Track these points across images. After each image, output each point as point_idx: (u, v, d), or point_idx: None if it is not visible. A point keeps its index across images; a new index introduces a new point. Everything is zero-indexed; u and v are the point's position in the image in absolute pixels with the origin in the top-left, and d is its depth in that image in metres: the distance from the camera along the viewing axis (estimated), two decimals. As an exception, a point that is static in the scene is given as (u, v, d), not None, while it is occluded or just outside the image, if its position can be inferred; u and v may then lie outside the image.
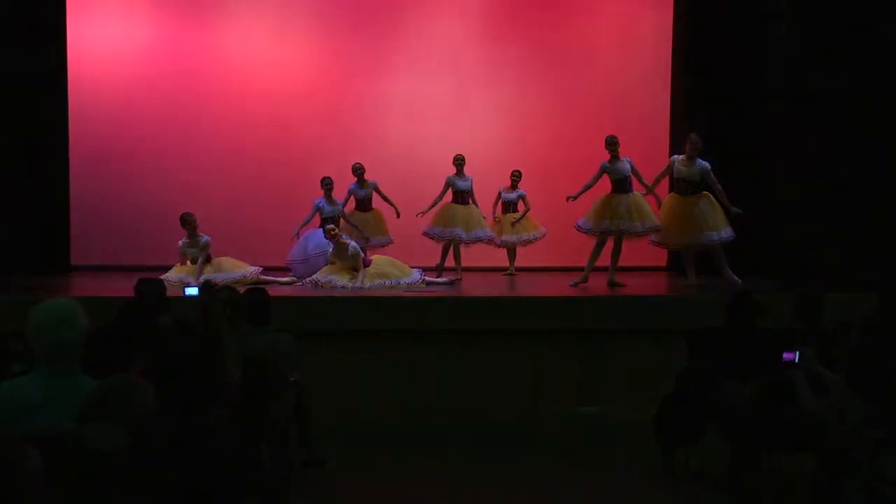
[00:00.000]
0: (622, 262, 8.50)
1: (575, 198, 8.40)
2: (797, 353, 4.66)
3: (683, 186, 8.30)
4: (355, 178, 9.34)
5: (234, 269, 8.62)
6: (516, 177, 9.71)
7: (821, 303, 5.38)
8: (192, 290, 7.29)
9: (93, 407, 2.74)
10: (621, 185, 8.35)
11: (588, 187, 8.42)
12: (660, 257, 10.22)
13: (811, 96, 9.44)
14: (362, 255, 8.38)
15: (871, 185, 9.29)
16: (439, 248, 9.24)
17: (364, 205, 9.43)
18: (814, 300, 5.40)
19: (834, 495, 4.05)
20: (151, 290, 5.33)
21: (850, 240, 9.16)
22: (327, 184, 9.08)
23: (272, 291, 5.79)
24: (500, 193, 9.79)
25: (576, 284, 8.29)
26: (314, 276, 8.41)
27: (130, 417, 2.73)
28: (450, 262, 9.19)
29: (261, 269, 8.81)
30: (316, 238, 9.03)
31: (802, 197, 9.42)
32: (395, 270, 8.46)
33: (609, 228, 8.31)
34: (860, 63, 9.28)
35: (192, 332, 3.38)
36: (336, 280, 8.23)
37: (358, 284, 8.10)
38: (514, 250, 9.84)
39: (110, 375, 2.91)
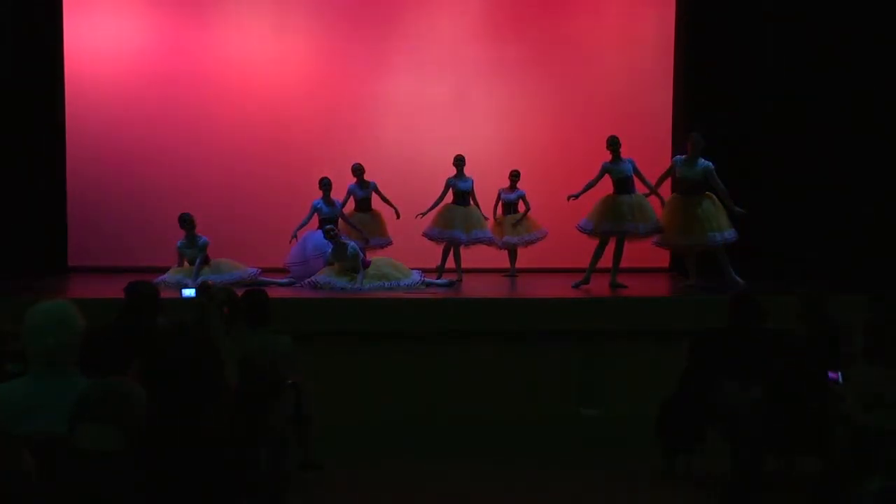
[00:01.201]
0: (624, 264, 8.46)
1: (576, 196, 8.37)
2: (839, 374, 4.65)
3: (686, 187, 8.26)
4: (355, 179, 9.29)
5: (232, 270, 8.59)
6: (515, 177, 9.64)
7: (824, 303, 5.35)
8: (190, 292, 7.29)
9: (84, 408, 2.72)
10: (623, 185, 8.32)
11: (589, 186, 8.39)
12: (662, 258, 10.19)
13: (811, 96, 9.44)
14: (361, 255, 8.35)
15: (871, 185, 9.29)
16: (439, 249, 9.19)
17: (364, 205, 9.38)
18: (816, 301, 5.37)
19: (839, 496, 4.02)
20: (140, 292, 5.25)
21: (850, 240, 9.16)
22: (325, 184, 9.03)
23: (271, 293, 5.77)
24: (499, 194, 9.73)
25: (577, 286, 8.25)
26: (313, 278, 8.38)
27: (122, 419, 2.70)
28: (450, 264, 9.14)
29: (259, 270, 8.77)
30: (314, 239, 8.99)
31: (802, 197, 9.41)
32: (394, 272, 8.43)
33: (611, 230, 8.28)
34: (860, 63, 9.27)
35: (189, 333, 3.36)
36: (335, 281, 8.19)
37: (357, 286, 8.07)
38: (516, 251, 9.79)
39: (104, 377, 2.89)
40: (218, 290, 5.33)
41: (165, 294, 5.77)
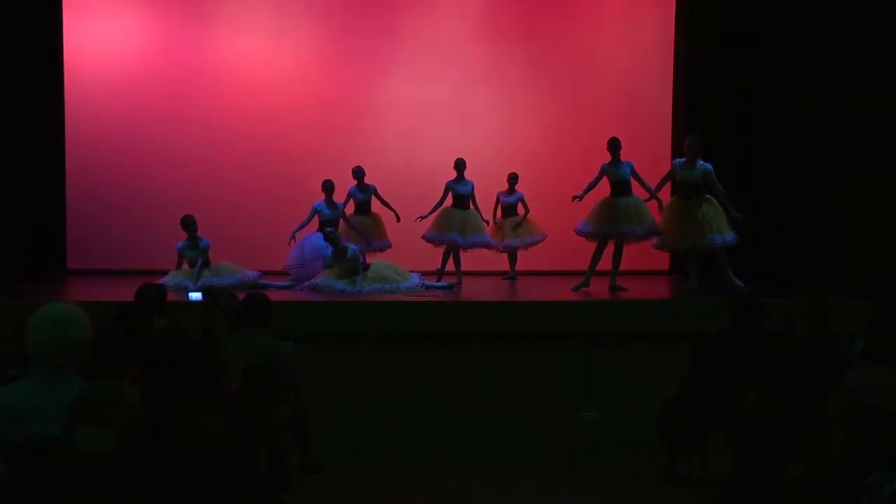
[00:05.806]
0: (624, 266, 8.45)
1: (580, 197, 8.36)
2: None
3: (685, 189, 8.25)
4: (355, 182, 9.28)
5: (233, 273, 8.57)
6: (513, 179, 9.60)
7: (825, 305, 5.33)
8: (196, 296, 7.29)
9: (79, 411, 2.71)
10: (620, 187, 8.31)
11: (590, 187, 8.39)
12: (661, 261, 10.19)
13: (812, 96, 9.43)
14: (361, 258, 8.33)
15: (872, 188, 9.27)
16: (439, 252, 9.16)
17: (364, 208, 9.36)
18: (817, 302, 5.35)
19: (840, 497, 4.01)
20: (154, 294, 5.34)
21: (851, 241, 9.14)
22: (329, 187, 9.01)
23: (270, 296, 5.75)
24: (498, 197, 9.70)
25: (577, 289, 8.24)
26: (313, 280, 8.36)
27: (117, 420, 2.69)
28: (451, 267, 9.12)
29: (259, 273, 8.76)
30: (312, 241, 8.97)
31: (803, 197, 9.40)
32: (394, 274, 8.43)
33: (609, 232, 8.27)
34: (861, 64, 9.26)
35: (185, 335, 3.34)
36: (335, 284, 8.18)
37: (357, 288, 8.05)
38: (516, 254, 9.76)
39: (100, 379, 2.88)
40: (221, 294, 5.34)
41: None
